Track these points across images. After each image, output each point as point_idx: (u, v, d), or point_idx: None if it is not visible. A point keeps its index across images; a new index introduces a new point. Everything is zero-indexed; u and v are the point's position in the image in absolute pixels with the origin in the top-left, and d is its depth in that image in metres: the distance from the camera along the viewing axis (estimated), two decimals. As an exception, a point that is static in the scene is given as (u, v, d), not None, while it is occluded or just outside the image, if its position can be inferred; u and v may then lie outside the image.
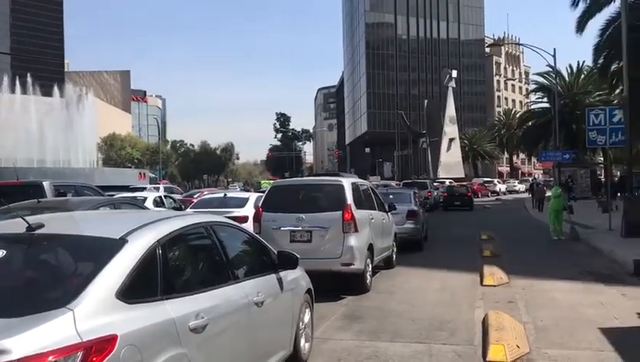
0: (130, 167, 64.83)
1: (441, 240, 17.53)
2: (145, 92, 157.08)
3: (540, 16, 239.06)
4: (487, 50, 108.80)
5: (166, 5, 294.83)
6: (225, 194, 15.86)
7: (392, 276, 11.17)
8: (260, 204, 10.15)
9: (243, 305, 4.18)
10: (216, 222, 4.57)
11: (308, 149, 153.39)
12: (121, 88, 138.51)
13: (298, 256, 5.18)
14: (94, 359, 2.71)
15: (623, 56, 16.45)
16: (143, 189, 27.51)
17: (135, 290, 3.16)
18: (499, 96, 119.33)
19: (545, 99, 54.87)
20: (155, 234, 3.57)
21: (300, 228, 9.27)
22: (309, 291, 5.85)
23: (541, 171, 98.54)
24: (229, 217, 10.92)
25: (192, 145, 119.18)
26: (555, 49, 33.38)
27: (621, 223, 15.25)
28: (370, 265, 9.82)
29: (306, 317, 5.69)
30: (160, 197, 18.47)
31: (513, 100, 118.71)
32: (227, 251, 4.35)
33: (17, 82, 51.54)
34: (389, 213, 11.99)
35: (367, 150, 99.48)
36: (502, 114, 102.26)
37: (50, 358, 2.58)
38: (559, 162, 33.41)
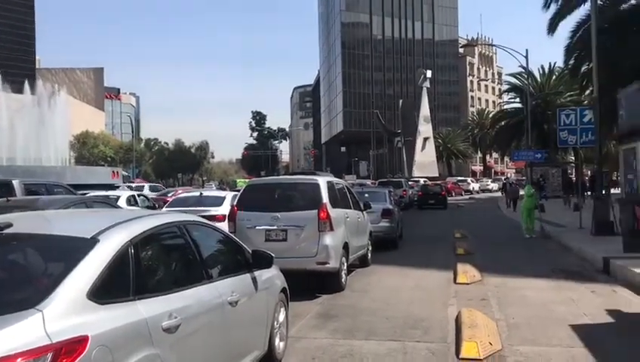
0: (104, 166, 63.88)
1: (415, 238, 17.66)
2: (119, 89, 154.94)
3: (512, 17, 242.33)
4: (461, 50, 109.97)
5: (141, 3, 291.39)
6: (201, 193, 15.77)
7: (367, 274, 11.21)
8: (234, 203, 10.11)
9: (217, 305, 4.16)
10: (190, 222, 4.53)
11: (284, 148, 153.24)
12: (94, 85, 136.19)
13: (273, 255, 5.17)
14: (64, 360, 2.67)
15: (593, 57, 16.74)
16: (129, 188, 27.16)
17: (107, 290, 3.12)
18: (472, 97, 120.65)
19: (517, 100, 55.77)
20: (128, 233, 3.53)
21: (275, 227, 9.25)
22: (283, 290, 5.84)
23: (514, 170, 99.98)
24: (206, 216, 10.94)
25: (167, 144, 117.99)
26: (527, 50, 33.86)
27: (591, 222, 15.53)
28: (346, 264, 9.85)
29: (281, 317, 5.68)
30: (133, 196, 18.25)
31: (486, 100, 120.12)
32: (201, 250, 4.32)
33: (-14, 79, 50.38)
34: (364, 212, 12.04)
35: (343, 149, 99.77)
36: (475, 114, 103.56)
37: (19, 360, 2.54)
38: (531, 161, 33.92)
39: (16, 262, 3.42)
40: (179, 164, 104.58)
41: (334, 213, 9.50)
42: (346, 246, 9.85)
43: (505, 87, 64.73)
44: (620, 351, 5.94)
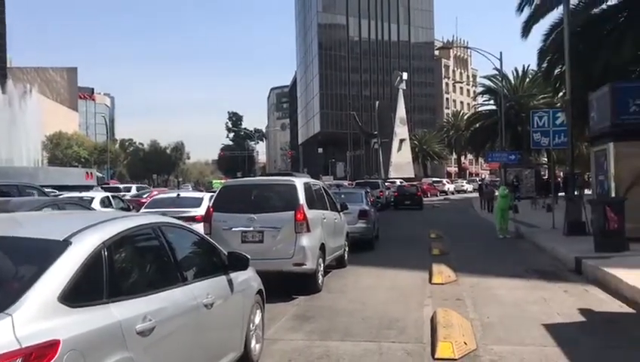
0: (77, 166, 62.95)
1: (392, 239, 17.75)
2: (93, 90, 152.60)
3: (487, 20, 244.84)
4: (437, 52, 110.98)
5: (115, 1, 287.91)
6: (178, 194, 15.64)
7: (343, 275, 11.23)
8: (210, 204, 10.04)
9: (192, 307, 4.12)
10: (165, 223, 4.49)
11: (261, 149, 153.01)
12: (67, 85, 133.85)
13: (249, 256, 5.14)
14: (35, 365, 2.62)
15: (566, 60, 16.99)
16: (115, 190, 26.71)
17: (79, 293, 3.07)
18: (447, 99, 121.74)
19: (492, 102, 56.35)
20: (101, 235, 3.48)
21: (251, 229, 9.21)
22: (260, 292, 5.81)
23: (488, 171, 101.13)
24: (185, 217, 10.87)
25: (142, 144, 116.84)
26: (501, 53, 34.30)
27: (564, 222, 15.78)
28: (322, 265, 9.85)
29: (257, 318, 5.66)
30: (107, 197, 17.98)
31: (461, 102, 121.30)
32: (176, 252, 4.28)
33: (-45, 77, 49.31)
34: (341, 213, 12.05)
35: (320, 150, 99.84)
36: (450, 115, 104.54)
37: (-13, 365, 2.49)
38: (505, 163, 34.35)
39: (-15, 265, 3.34)
40: (154, 165, 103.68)
41: (311, 214, 9.49)
42: (322, 248, 9.85)
43: (480, 89, 65.35)
44: (592, 350, 6.04)
